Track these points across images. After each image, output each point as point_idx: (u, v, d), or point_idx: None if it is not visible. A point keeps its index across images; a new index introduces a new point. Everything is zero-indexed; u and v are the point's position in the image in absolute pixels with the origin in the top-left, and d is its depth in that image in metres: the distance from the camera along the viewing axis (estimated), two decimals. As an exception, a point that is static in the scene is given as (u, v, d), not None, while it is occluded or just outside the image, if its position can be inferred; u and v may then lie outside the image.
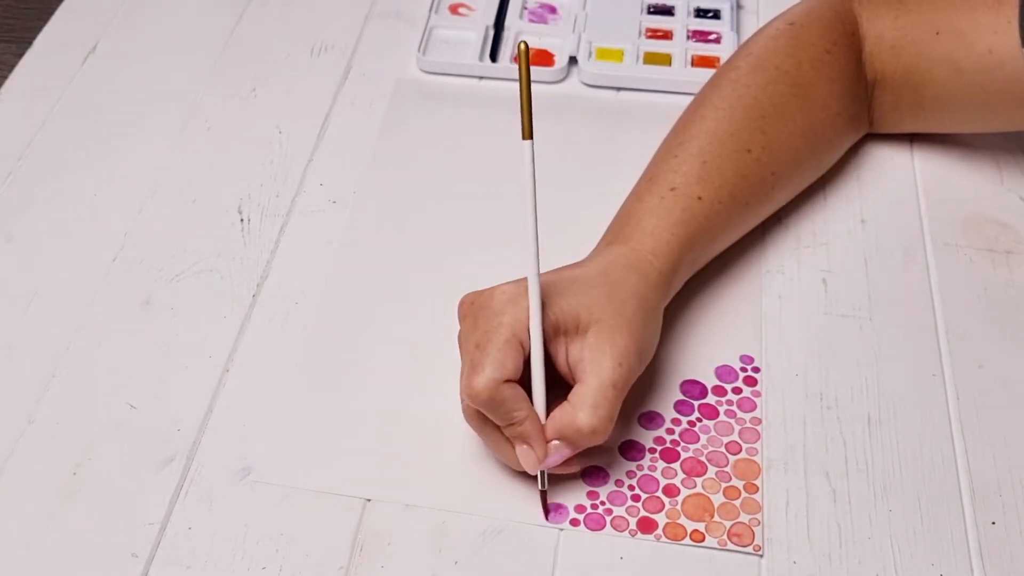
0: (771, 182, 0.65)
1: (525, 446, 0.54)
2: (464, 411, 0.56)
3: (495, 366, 0.52)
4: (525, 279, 0.55)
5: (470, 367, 0.53)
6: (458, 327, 0.56)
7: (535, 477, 0.55)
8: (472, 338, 0.54)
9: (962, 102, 0.69)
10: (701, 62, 0.80)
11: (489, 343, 0.53)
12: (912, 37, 0.68)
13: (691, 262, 0.62)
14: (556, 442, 0.54)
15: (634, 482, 0.56)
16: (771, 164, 0.65)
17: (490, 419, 0.54)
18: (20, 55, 0.82)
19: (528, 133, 0.53)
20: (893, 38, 0.69)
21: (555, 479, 0.56)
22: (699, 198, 0.62)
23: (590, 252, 0.61)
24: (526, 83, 0.52)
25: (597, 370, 0.54)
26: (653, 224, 0.60)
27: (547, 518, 0.55)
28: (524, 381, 0.54)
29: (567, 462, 0.55)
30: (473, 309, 0.56)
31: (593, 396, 0.53)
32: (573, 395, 0.54)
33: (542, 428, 0.54)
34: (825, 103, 0.67)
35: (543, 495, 0.55)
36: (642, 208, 0.62)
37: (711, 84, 0.68)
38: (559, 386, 0.55)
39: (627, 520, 0.55)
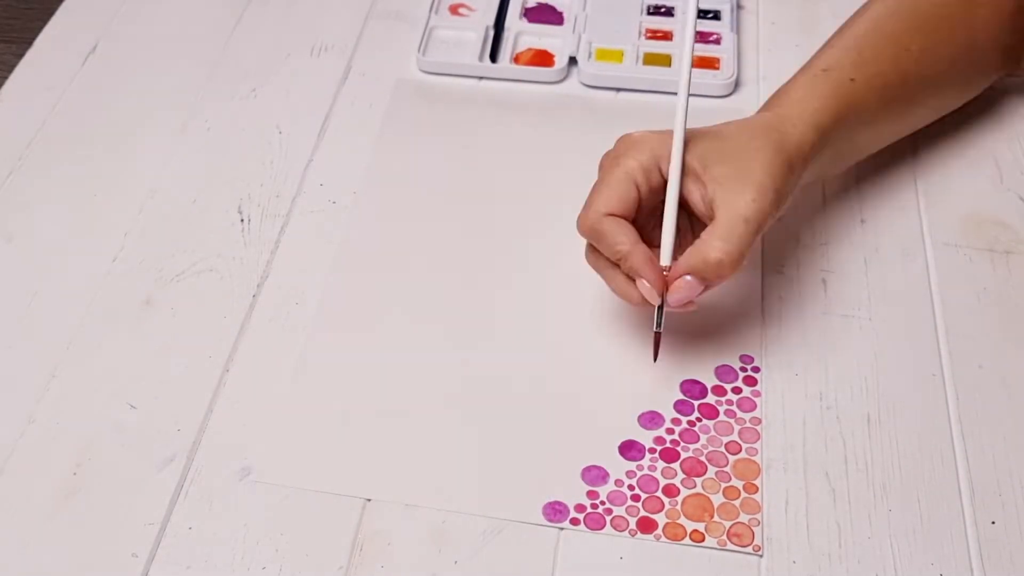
0: (923, 85, 0.67)
1: (642, 280, 0.56)
2: (585, 256, 0.59)
3: (601, 200, 0.56)
4: (653, 131, 0.58)
5: (584, 205, 0.57)
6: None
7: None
8: (595, 182, 0.58)
9: None
10: (701, 63, 0.80)
11: (602, 181, 0.57)
12: None
13: (835, 140, 0.62)
14: (687, 277, 0.56)
15: (634, 482, 0.56)
16: (928, 67, 0.66)
17: (607, 258, 0.57)
18: (20, 55, 0.82)
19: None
20: None
21: (556, 475, 0.56)
22: (851, 80, 0.63)
23: None
24: None
25: (730, 205, 0.55)
26: (800, 95, 0.62)
27: (655, 359, 0.58)
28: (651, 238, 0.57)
29: (685, 304, 0.57)
30: (606, 158, 0.59)
31: (724, 229, 0.55)
32: (705, 231, 0.56)
33: (652, 259, 0.56)
34: (986, 26, 0.69)
35: (657, 337, 0.58)
36: (792, 84, 0.64)
37: None
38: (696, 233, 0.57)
39: (627, 520, 0.55)
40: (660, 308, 0.57)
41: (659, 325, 0.57)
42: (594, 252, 0.58)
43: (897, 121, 0.68)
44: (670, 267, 0.57)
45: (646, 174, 0.57)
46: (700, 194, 0.57)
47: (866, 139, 0.67)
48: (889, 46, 0.66)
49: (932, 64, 0.67)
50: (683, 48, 0.59)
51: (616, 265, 0.57)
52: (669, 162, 0.57)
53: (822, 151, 0.62)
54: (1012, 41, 0.72)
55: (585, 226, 0.57)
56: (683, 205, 0.58)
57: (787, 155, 0.59)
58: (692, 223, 0.59)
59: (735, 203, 0.56)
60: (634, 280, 0.57)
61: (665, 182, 0.58)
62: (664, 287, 0.56)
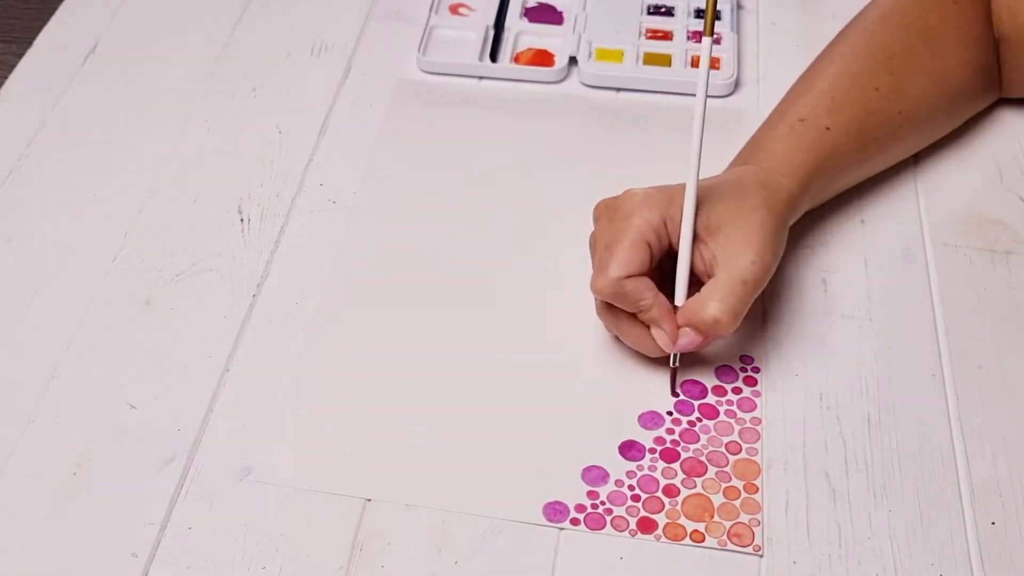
0: (899, 121, 0.67)
1: (658, 329, 0.58)
2: (597, 309, 0.61)
3: (619, 264, 0.57)
4: (657, 186, 0.59)
5: (597, 266, 0.58)
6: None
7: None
8: (603, 238, 0.59)
9: None
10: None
11: (617, 243, 0.57)
12: None
13: (818, 189, 0.65)
14: (685, 329, 0.58)
15: (634, 482, 0.56)
16: (899, 103, 0.67)
17: (622, 310, 0.58)
18: (20, 55, 0.82)
19: (709, 31, 0.56)
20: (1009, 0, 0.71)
21: (556, 475, 0.56)
22: (827, 128, 0.65)
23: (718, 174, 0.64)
24: None
25: (729, 266, 0.57)
26: (783, 149, 0.64)
27: (673, 393, 0.60)
28: (665, 276, 0.59)
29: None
30: (607, 211, 0.60)
31: (723, 290, 0.57)
32: (705, 287, 0.58)
33: (672, 311, 0.58)
34: (953, 50, 0.69)
35: (673, 372, 0.60)
36: (772, 135, 0.65)
37: (840, 34, 0.71)
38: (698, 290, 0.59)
39: (627, 520, 0.55)
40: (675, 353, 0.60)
41: (675, 361, 0.60)
42: (610, 308, 0.59)
43: (881, 155, 0.69)
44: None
45: (656, 233, 0.58)
46: (700, 253, 0.59)
47: (846, 181, 0.68)
48: (858, 88, 0.67)
49: (905, 98, 0.68)
50: (695, 115, 0.58)
51: (633, 318, 0.59)
52: (675, 221, 0.58)
53: (806, 199, 0.64)
54: (987, 60, 0.71)
55: (606, 291, 0.57)
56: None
57: (778, 213, 0.60)
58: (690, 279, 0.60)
59: (736, 264, 0.57)
60: (648, 330, 0.59)
61: (671, 239, 0.59)
62: (676, 335, 0.58)
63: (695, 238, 0.58)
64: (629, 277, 0.57)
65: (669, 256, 0.59)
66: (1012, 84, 0.74)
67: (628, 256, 0.57)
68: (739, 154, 0.66)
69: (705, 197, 0.59)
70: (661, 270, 0.59)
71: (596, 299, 0.60)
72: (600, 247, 0.59)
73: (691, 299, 0.58)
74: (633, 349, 0.61)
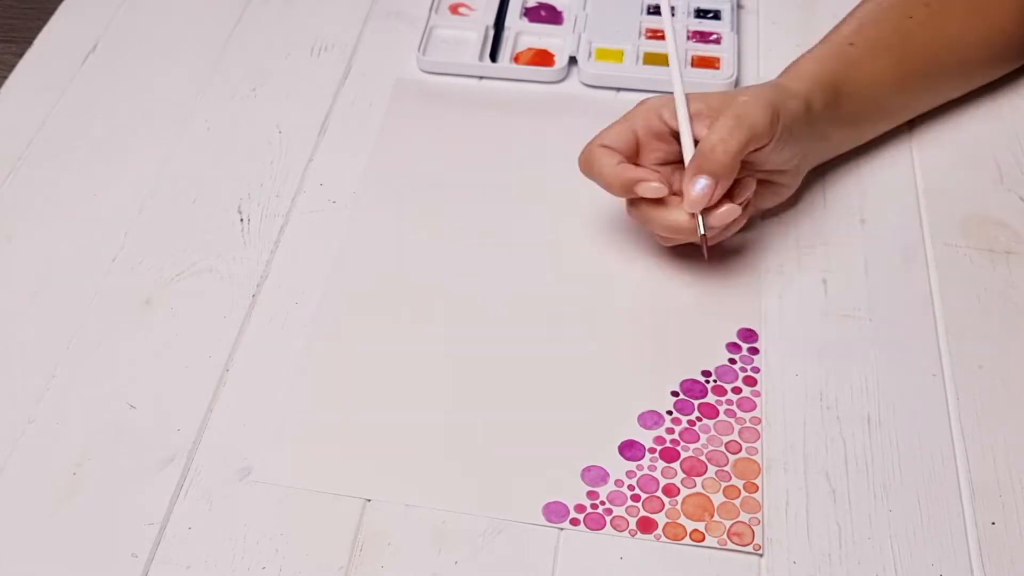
0: (930, 52, 0.69)
1: (648, 183, 0.60)
2: (627, 212, 0.64)
3: (599, 136, 0.63)
4: None
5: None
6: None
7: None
8: None
9: None
10: (701, 62, 0.80)
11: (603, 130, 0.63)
12: None
13: (832, 99, 0.66)
14: (698, 177, 0.59)
15: (634, 482, 0.56)
16: (932, 31, 0.68)
17: (639, 200, 0.62)
18: (20, 55, 0.82)
19: None
20: None
21: (556, 475, 0.56)
22: (851, 44, 0.67)
23: None
24: None
25: (726, 113, 0.60)
26: (798, 64, 0.67)
27: (706, 257, 0.63)
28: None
29: (729, 225, 0.62)
30: None
31: (719, 125, 0.60)
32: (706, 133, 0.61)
33: (643, 169, 0.62)
34: (999, 3, 0.71)
35: (703, 239, 0.62)
36: (794, 60, 0.68)
37: None
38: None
39: (627, 520, 0.55)
40: (700, 216, 0.61)
41: (703, 229, 0.61)
42: (634, 203, 0.62)
43: (910, 83, 0.70)
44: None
45: (645, 119, 0.63)
46: (704, 127, 0.61)
47: (869, 99, 0.69)
48: (890, 15, 0.69)
49: (938, 33, 0.69)
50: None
51: (658, 204, 0.61)
52: (670, 110, 0.63)
53: (820, 102, 0.65)
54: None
55: (581, 157, 0.62)
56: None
57: (781, 95, 0.63)
58: None
59: (730, 108, 0.60)
60: (672, 226, 0.62)
61: (666, 126, 0.63)
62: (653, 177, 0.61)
63: (700, 118, 0.62)
64: (604, 147, 0.62)
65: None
66: None
67: (608, 131, 0.63)
68: None
69: (710, 93, 0.63)
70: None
71: (624, 205, 0.64)
72: None
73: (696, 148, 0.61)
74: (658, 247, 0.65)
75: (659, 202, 0.62)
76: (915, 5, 0.69)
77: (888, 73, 0.68)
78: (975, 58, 0.72)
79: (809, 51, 0.69)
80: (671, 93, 0.63)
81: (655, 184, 0.60)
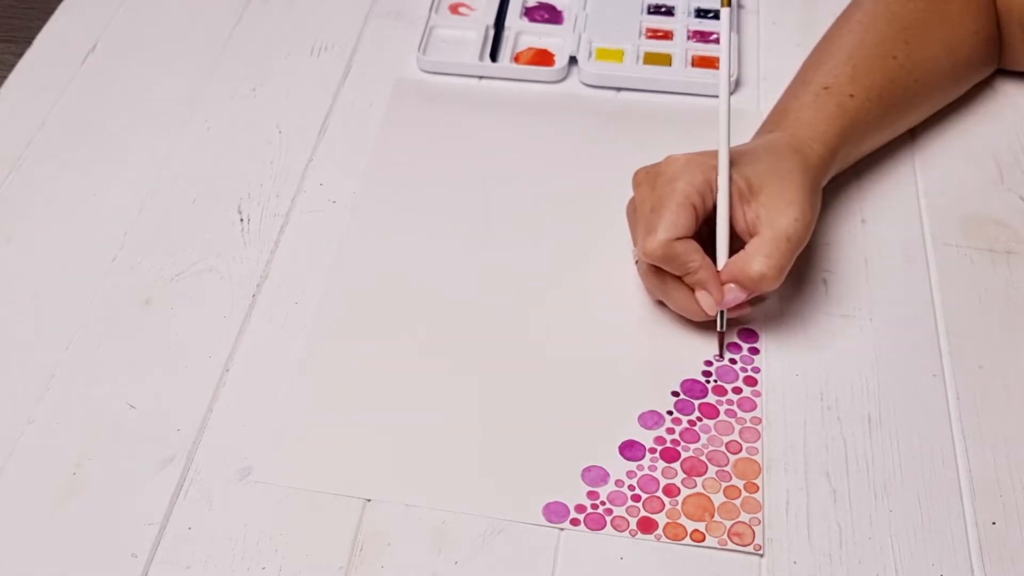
0: (915, 89, 0.70)
1: (703, 291, 0.59)
2: (642, 273, 0.62)
3: (668, 227, 0.58)
4: (697, 151, 0.61)
5: (645, 229, 0.59)
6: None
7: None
8: (647, 203, 0.60)
9: None
10: (701, 62, 0.80)
11: (663, 207, 0.59)
12: None
13: (844, 154, 0.67)
14: (731, 285, 0.59)
15: (634, 482, 0.56)
16: (915, 71, 0.70)
17: (668, 272, 0.60)
18: (20, 55, 0.82)
19: (726, 1, 0.62)
20: None
21: (556, 475, 0.56)
22: (851, 96, 0.67)
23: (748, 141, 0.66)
24: None
25: (773, 223, 0.59)
26: (809, 117, 0.66)
27: (721, 355, 0.61)
28: (703, 241, 0.60)
29: (740, 306, 0.61)
30: (648, 177, 0.61)
31: (768, 246, 0.59)
32: (750, 244, 0.60)
33: (717, 274, 0.60)
34: (962, 20, 0.72)
35: (721, 336, 0.61)
36: (798, 104, 0.67)
37: (852, 4, 0.74)
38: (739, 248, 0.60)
39: (627, 520, 0.55)
40: (721, 312, 0.61)
41: (722, 325, 0.61)
42: (656, 272, 0.61)
43: (896, 125, 0.71)
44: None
45: (702, 196, 0.60)
46: (743, 213, 0.60)
47: (868, 146, 0.70)
48: (877, 57, 0.69)
49: (920, 66, 0.70)
50: (721, 78, 0.62)
51: (679, 282, 0.60)
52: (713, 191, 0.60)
53: (834, 164, 0.66)
54: (991, 32, 0.74)
55: (656, 253, 0.59)
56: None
57: (813, 176, 0.63)
58: (731, 239, 0.62)
59: (780, 222, 0.59)
60: (694, 293, 0.60)
61: (715, 201, 0.60)
62: (721, 297, 0.60)
63: (742, 198, 0.60)
64: (678, 239, 0.58)
65: (708, 224, 0.61)
66: (1007, 58, 0.76)
67: (676, 218, 0.59)
68: (765, 122, 0.68)
69: (742, 159, 0.61)
70: (699, 236, 0.60)
71: (641, 264, 0.62)
72: (645, 212, 0.60)
73: (735, 256, 0.60)
74: (673, 314, 0.62)
75: (680, 282, 0.60)
76: (895, 43, 0.69)
77: (881, 120, 0.69)
78: (950, 79, 0.73)
79: (810, 94, 0.67)
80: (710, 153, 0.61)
81: (710, 300, 0.60)
